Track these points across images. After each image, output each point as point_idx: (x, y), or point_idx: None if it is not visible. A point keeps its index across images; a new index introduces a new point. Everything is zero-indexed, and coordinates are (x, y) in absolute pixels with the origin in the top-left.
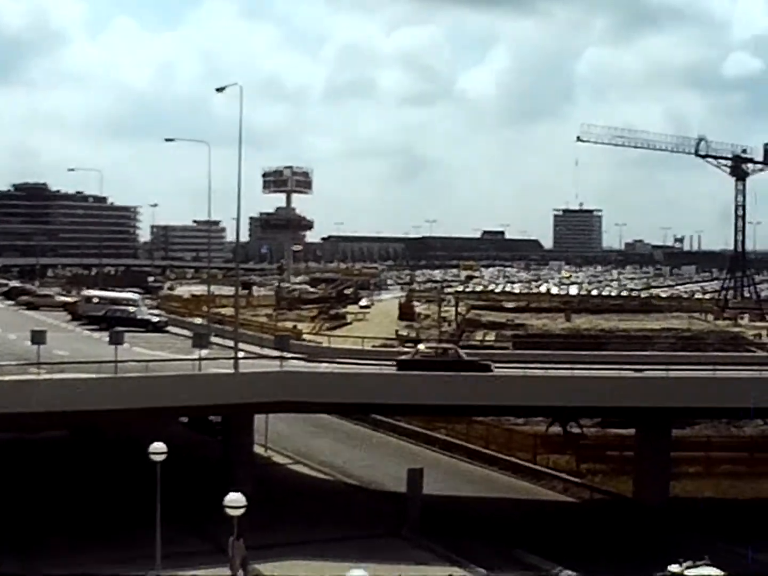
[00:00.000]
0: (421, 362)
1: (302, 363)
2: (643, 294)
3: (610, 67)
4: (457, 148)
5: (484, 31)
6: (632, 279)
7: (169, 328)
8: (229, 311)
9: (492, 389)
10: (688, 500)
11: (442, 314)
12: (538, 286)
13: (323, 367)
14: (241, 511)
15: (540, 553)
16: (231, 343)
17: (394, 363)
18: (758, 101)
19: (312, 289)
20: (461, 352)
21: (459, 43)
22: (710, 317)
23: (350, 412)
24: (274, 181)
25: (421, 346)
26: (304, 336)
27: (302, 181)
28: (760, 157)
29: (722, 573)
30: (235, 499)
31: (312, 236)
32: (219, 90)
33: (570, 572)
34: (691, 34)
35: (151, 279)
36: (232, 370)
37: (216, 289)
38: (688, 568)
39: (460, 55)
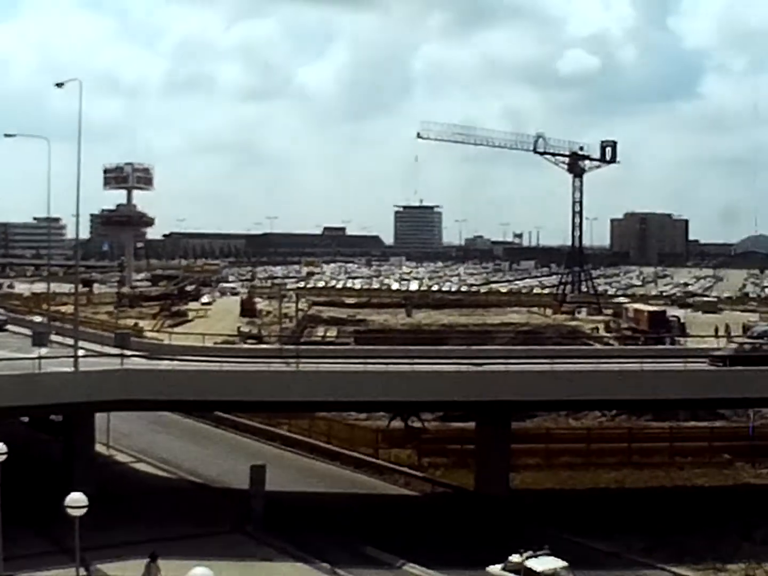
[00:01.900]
0: (752, 357)
1: (143, 360)
2: (483, 289)
3: (448, 63)
4: (298, 143)
5: (322, 25)
6: (472, 274)
7: (8, 326)
8: (69, 309)
9: (330, 385)
10: (529, 491)
11: (284, 310)
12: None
13: (164, 364)
14: (83, 511)
15: (383, 547)
16: (71, 342)
17: (709, 358)
18: (595, 99)
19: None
20: None
21: (298, 37)
22: (549, 312)
23: (192, 409)
24: (115, 177)
25: (739, 341)
26: (146, 333)
27: (143, 178)
28: (596, 155)
29: (562, 562)
30: (76, 498)
31: (153, 233)
32: (58, 85)
33: (413, 564)
34: (527, 31)
35: None
36: (72, 369)
37: (56, 287)
38: (528, 557)
39: (299, 50)
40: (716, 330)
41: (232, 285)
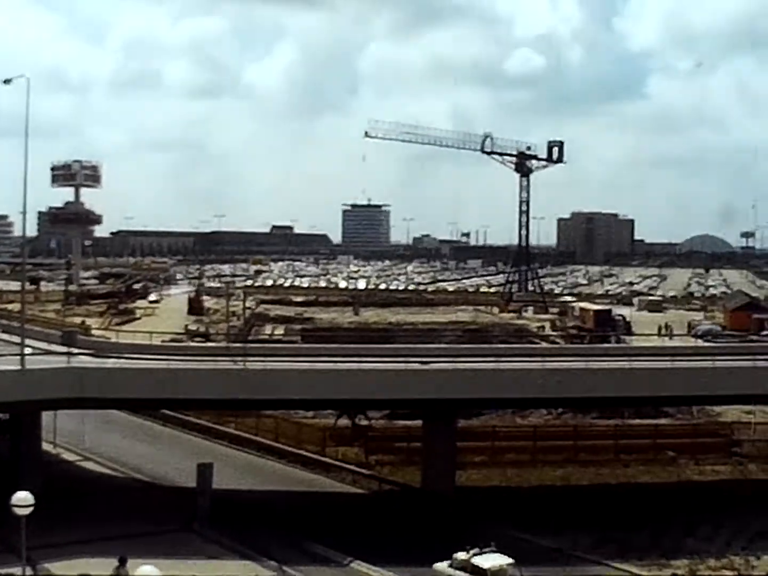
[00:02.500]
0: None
1: (91, 359)
2: (430, 288)
3: (396, 62)
4: (246, 141)
5: (271, 23)
6: (420, 273)
7: None
8: (16, 307)
9: (278, 383)
10: (475, 489)
11: (232, 309)
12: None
13: (112, 362)
14: (29, 510)
15: (330, 545)
16: (17, 339)
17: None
18: (542, 98)
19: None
20: None
21: (246, 35)
22: (495, 310)
23: (140, 407)
24: (62, 174)
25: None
26: (93, 331)
27: (91, 175)
28: (544, 154)
29: (508, 558)
30: (22, 498)
31: (101, 231)
32: (6, 82)
33: (360, 562)
34: (475, 31)
35: None
36: (18, 367)
37: (3, 285)
38: (475, 554)
39: (247, 48)
40: (659, 329)
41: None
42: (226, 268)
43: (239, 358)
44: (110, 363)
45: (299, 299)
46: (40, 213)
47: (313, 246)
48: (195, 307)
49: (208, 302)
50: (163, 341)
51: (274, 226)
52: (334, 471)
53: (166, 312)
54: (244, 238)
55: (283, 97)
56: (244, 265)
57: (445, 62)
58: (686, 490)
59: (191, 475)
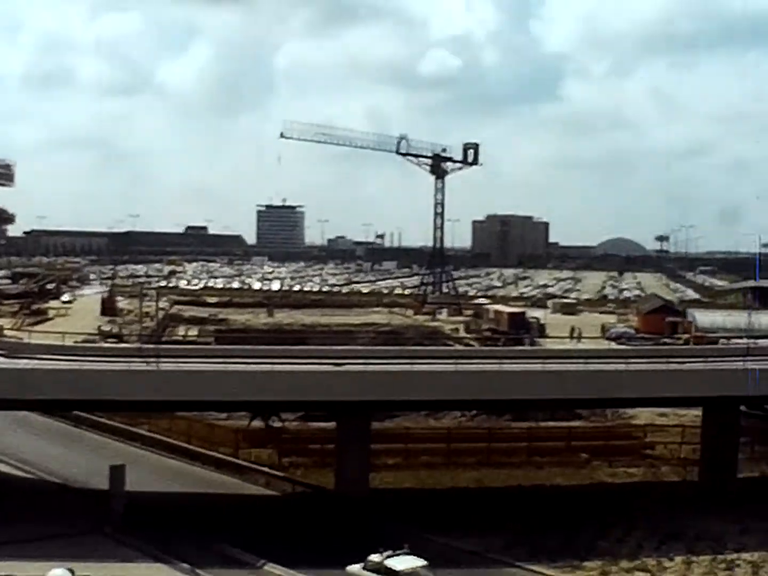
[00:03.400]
0: None
1: (2, 359)
2: (345, 289)
3: (311, 62)
4: (160, 140)
5: (186, 21)
6: (334, 274)
7: None
8: None
9: (190, 384)
10: (389, 491)
11: (145, 309)
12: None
13: (23, 363)
14: None
15: (244, 547)
16: None
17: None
18: (458, 100)
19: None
20: None
21: (160, 33)
22: (410, 312)
23: (52, 408)
24: None
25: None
26: (5, 332)
27: (4, 174)
28: (459, 156)
29: (421, 560)
30: None
31: (14, 230)
32: None
33: (274, 564)
34: (390, 31)
35: None
36: None
37: None
38: (388, 557)
39: (162, 46)
40: (571, 331)
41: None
42: (140, 269)
43: (152, 359)
44: (22, 364)
45: (213, 300)
46: None
47: (227, 247)
48: (108, 308)
49: (122, 303)
50: (75, 342)
51: (188, 227)
52: (248, 473)
53: (79, 312)
54: (158, 238)
55: (198, 96)
56: (158, 266)
57: (361, 62)
58: (599, 492)
59: (103, 477)
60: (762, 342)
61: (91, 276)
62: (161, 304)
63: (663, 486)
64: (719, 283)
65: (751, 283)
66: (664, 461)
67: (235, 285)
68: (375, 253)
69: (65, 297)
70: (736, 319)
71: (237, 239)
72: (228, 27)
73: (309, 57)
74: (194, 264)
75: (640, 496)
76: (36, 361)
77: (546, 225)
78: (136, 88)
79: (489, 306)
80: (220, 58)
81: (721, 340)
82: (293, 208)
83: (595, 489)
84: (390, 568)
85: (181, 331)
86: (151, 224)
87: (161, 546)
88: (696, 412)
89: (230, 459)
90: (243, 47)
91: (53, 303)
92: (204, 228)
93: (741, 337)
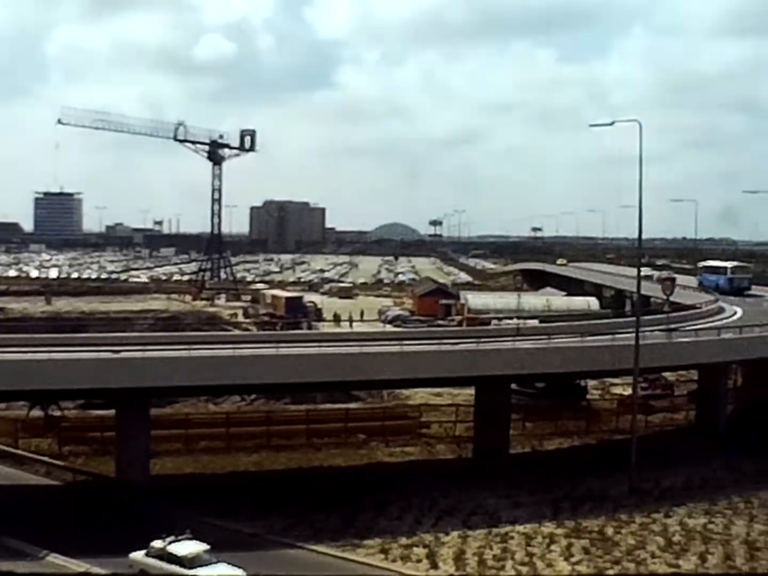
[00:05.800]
0: None
1: None
2: (123, 276)
3: (86, 47)
4: None
5: None
6: (112, 261)
7: None
8: None
9: None
10: (170, 477)
11: None
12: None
13: None
14: None
15: (25, 538)
16: None
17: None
18: (235, 86)
19: None
20: None
21: None
22: (188, 298)
23: None
24: None
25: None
26: None
27: None
28: (236, 143)
29: (204, 545)
30: None
31: None
32: None
33: (56, 554)
34: (164, 16)
35: None
36: None
37: None
38: (170, 542)
39: None
40: (336, 315)
41: None
42: None
43: None
44: None
45: None
46: None
47: (3, 235)
48: None
49: None
50: None
51: None
52: (28, 463)
53: None
54: None
55: None
56: None
57: (138, 48)
58: (377, 471)
59: None
60: (531, 322)
61: None
62: None
63: (439, 463)
64: (490, 266)
65: (520, 266)
66: (439, 440)
67: (12, 273)
68: (153, 240)
69: None
70: (507, 300)
71: (14, 227)
72: None
73: (83, 43)
74: None
75: (417, 474)
76: None
77: (323, 211)
78: None
79: (266, 291)
80: None
81: (493, 321)
82: (71, 195)
83: (374, 468)
84: (173, 554)
85: None
86: None
87: None
88: (469, 391)
89: (10, 449)
90: (11, 31)
91: None
92: None
93: (511, 318)
